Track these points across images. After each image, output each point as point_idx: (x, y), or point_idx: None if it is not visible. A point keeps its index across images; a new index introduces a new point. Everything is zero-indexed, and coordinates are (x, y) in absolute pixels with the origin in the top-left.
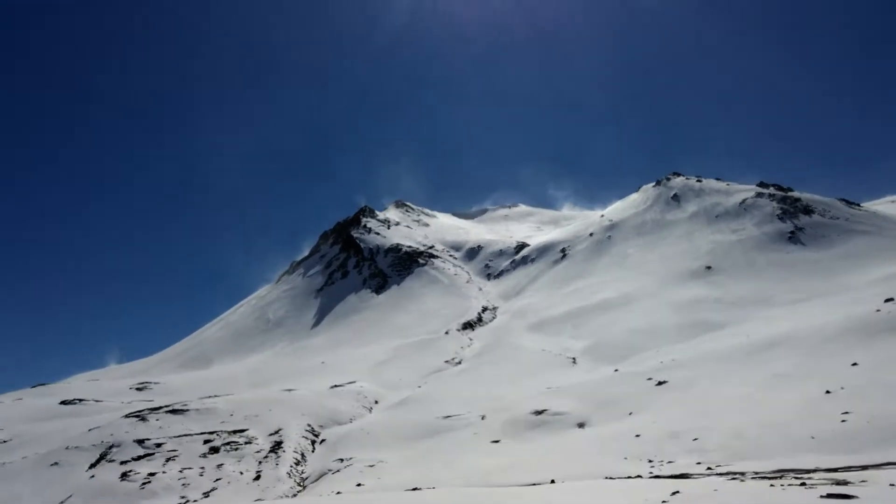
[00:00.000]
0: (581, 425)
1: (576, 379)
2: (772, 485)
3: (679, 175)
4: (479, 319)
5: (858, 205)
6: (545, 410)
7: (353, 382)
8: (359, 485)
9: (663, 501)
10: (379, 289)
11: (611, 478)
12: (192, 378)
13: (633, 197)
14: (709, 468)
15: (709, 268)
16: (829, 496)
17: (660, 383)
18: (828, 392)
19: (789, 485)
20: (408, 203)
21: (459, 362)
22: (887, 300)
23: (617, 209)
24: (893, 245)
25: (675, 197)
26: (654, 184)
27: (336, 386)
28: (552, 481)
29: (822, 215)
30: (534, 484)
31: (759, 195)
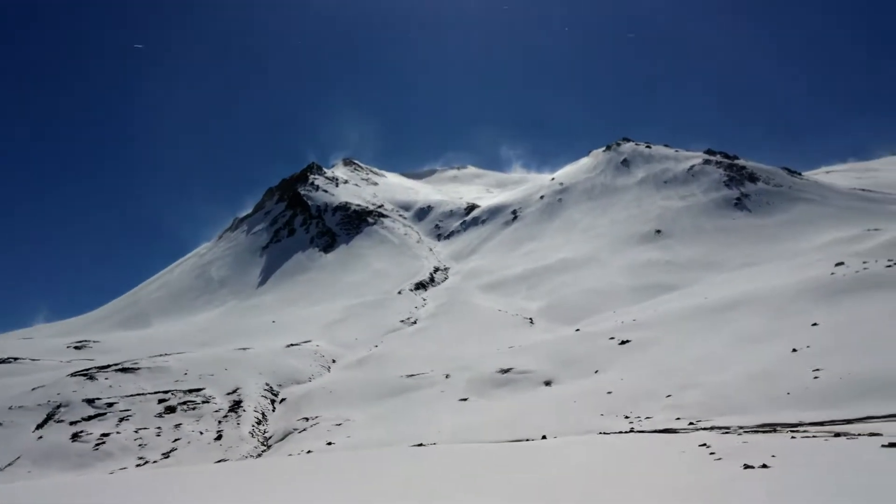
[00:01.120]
0: (548, 383)
1: (535, 338)
2: (793, 437)
3: (629, 141)
4: (432, 280)
5: (800, 174)
6: (511, 369)
7: (309, 342)
8: (329, 443)
9: (711, 453)
10: (327, 247)
11: (605, 433)
12: (135, 337)
13: (584, 161)
14: (691, 423)
15: (658, 232)
16: (891, 445)
17: (623, 342)
18: (794, 350)
19: (810, 436)
20: (356, 161)
21: (415, 322)
22: (838, 264)
23: (568, 173)
24: (834, 213)
25: (625, 162)
26: (604, 148)
27: (292, 345)
28: (543, 437)
29: (767, 183)
30: (522, 440)
31: (706, 162)
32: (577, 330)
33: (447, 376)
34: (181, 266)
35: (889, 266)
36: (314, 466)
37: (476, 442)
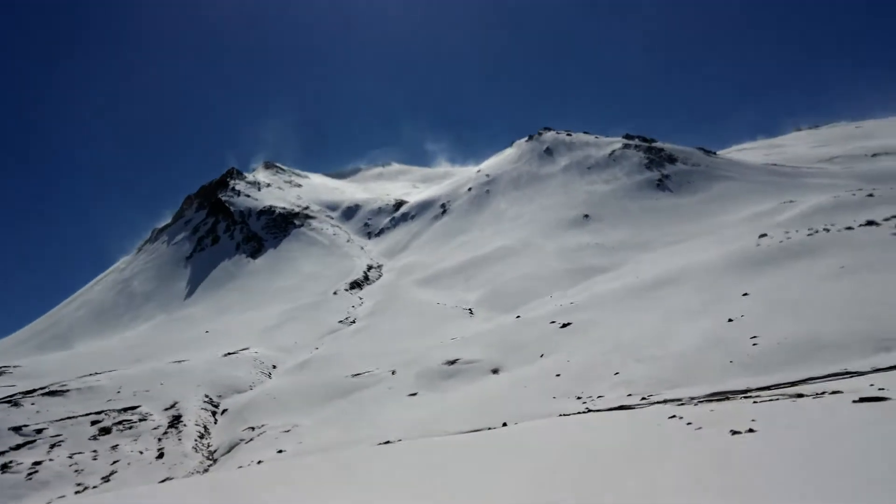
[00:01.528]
0: (495, 371)
1: (477, 328)
2: (754, 402)
3: (550, 130)
4: (366, 278)
5: (715, 153)
6: (457, 360)
7: (247, 349)
8: (280, 451)
9: (688, 423)
10: (255, 253)
11: (565, 414)
12: (59, 359)
13: (508, 152)
14: (643, 398)
15: (587, 216)
16: (862, 400)
17: (564, 325)
18: (730, 320)
19: (768, 399)
20: (277, 164)
21: (353, 321)
22: (762, 235)
23: (493, 164)
24: (751, 188)
25: (548, 151)
26: (526, 139)
27: (229, 353)
28: (504, 424)
29: (685, 163)
30: (483, 429)
31: (626, 146)
32: (518, 317)
33: (393, 372)
34: (101, 283)
35: (810, 234)
36: (283, 475)
37: (439, 435)
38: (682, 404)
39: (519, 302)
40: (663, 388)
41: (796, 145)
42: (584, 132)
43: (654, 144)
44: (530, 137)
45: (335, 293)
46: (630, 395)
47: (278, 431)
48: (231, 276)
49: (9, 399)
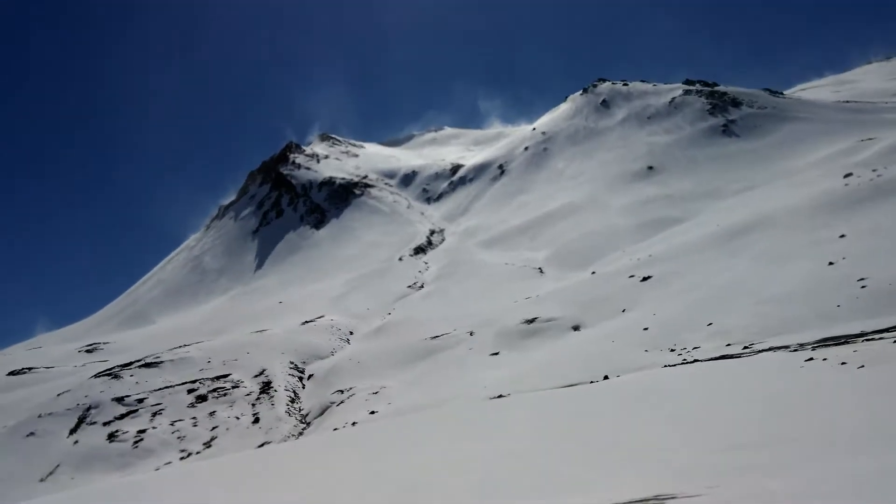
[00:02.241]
0: (576, 328)
1: (550, 287)
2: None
3: (605, 81)
4: (429, 243)
5: (782, 93)
6: (536, 318)
7: (322, 317)
8: (372, 412)
9: (842, 363)
10: (318, 224)
11: (670, 365)
12: (143, 334)
13: (563, 107)
14: (746, 347)
15: (651, 168)
16: None
17: (644, 279)
18: (831, 263)
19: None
20: (333, 135)
21: (422, 286)
22: (847, 175)
23: (548, 121)
24: (824, 128)
25: (605, 103)
26: (581, 92)
27: (307, 322)
28: (605, 377)
29: (751, 106)
30: (580, 383)
31: (686, 93)
32: (593, 273)
33: (471, 333)
34: (173, 261)
35: None
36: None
37: (542, 390)
38: (795, 351)
39: (589, 259)
40: (766, 335)
41: (868, 80)
42: (641, 80)
43: (716, 88)
44: (585, 90)
45: (400, 259)
46: (729, 344)
47: (367, 393)
48: (297, 247)
49: (109, 372)
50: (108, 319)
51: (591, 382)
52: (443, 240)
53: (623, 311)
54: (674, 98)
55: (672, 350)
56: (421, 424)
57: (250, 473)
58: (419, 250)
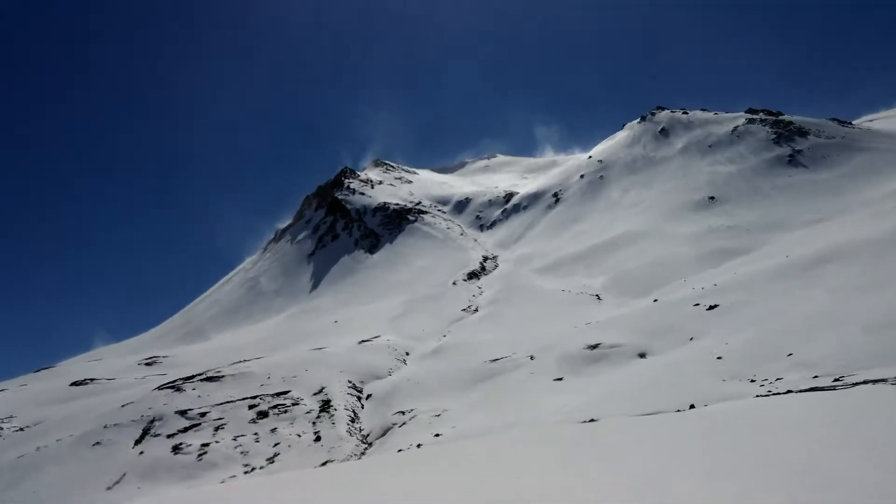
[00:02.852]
0: (642, 355)
1: (610, 313)
2: None
3: (663, 109)
4: (483, 269)
5: (850, 123)
6: (599, 344)
7: (378, 337)
8: (437, 435)
9: None
10: (372, 248)
11: (762, 395)
12: (200, 349)
13: (620, 135)
14: (836, 379)
15: (712, 198)
16: None
17: (711, 307)
18: None
19: None
20: (387, 161)
21: (476, 310)
22: None
23: (604, 149)
24: (895, 159)
25: (664, 131)
26: (638, 120)
27: (364, 341)
28: (691, 406)
29: (818, 136)
30: (662, 412)
31: (750, 122)
32: (655, 300)
33: (532, 358)
34: (230, 282)
35: None
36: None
37: (623, 417)
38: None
39: (648, 287)
40: (855, 368)
41: None
42: (702, 109)
43: (781, 117)
44: (643, 118)
45: (454, 283)
46: (816, 376)
47: (429, 416)
48: (351, 270)
49: (171, 385)
50: (166, 334)
51: (678, 411)
52: (496, 266)
53: (691, 339)
54: (736, 127)
55: (752, 381)
56: (517, 445)
57: (352, 485)
58: (473, 275)
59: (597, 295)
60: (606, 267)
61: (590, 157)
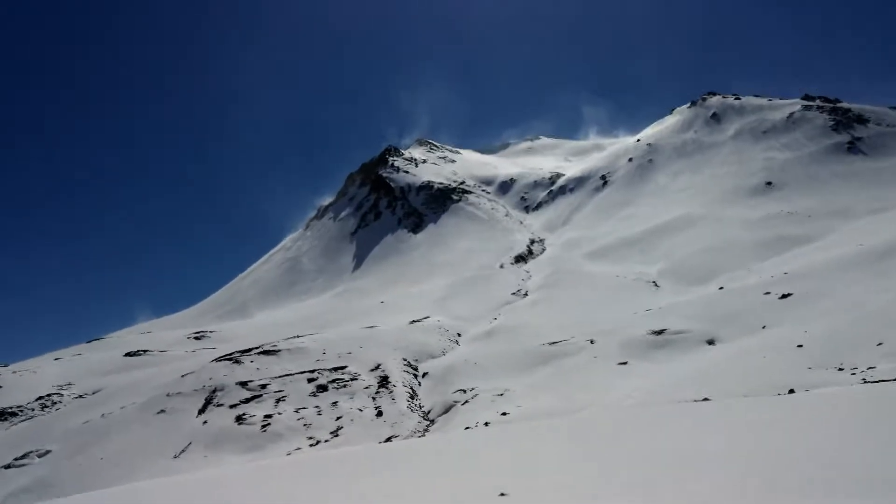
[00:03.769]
0: (711, 342)
1: (670, 300)
2: None
3: (715, 94)
4: (530, 252)
5: None
6: (664, 330)
7: (428, 317)
8: (503, 413)
9: None
10: (415, 228)
11: (871, 381)
12: (245, 325)
13: (669, 120)
14: None
15: (769, 183)
16: None
17: (783, 296)
18: None
19: None
20: (431, 141)
21: (526, 294)
22: None
23: (653, 133)
24: None
25: (715, 116)
26: (688, 105)
27: (415, 321)
28: (791, 391)
29: (878, 124)
30: (754, 395)
31: (806, 108)
32: (721, 288)
33: (591, 342)
34: (271, 261)
35: None
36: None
37: (691, 401)
38: None
39: (709, 274)
40: None
41: None
42: (754, 95)
43: (838, 104)
44: (693, 103)
45: (501, 266)
46: None
47: (491, 395)
48: (395, 250)
49: (229, 357)
50: (210, 311)
51: (778, 395)
52: (543, 250)
53: (763, 327)
54: (792, 113)
55: (840, 369)
56: (640, 420)
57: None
58: (519, 259)
59: (653, 281)
60: (661, 252)
61: (638, 140)
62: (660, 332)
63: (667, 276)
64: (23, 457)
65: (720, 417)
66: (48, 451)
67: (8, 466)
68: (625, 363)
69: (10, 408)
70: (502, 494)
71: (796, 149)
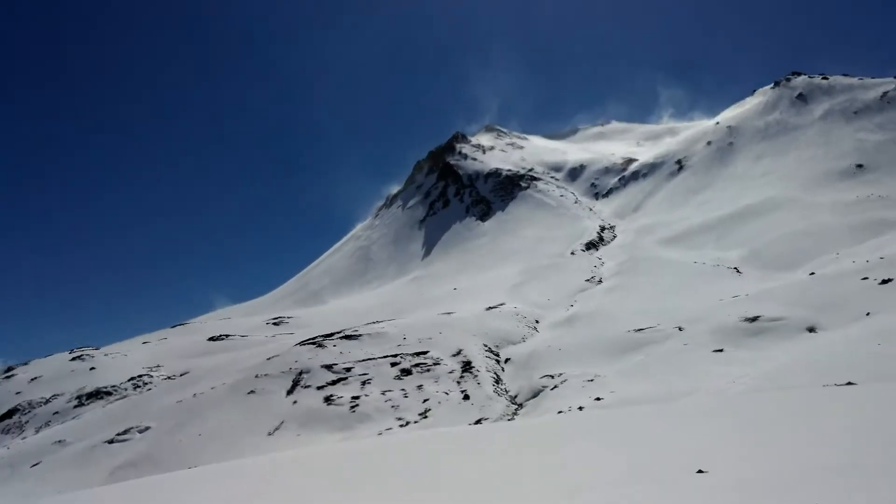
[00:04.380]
0: (812, 329)
1: (756, 286)
2: None
3: (800, 74)
4: (601, 239)
5: None
6: (758, 317)
7: (504, 304)
8: (597, 399)
9: None
10: (483, 216)
11: None
12: (320, 312)
13: (750, 101)
14: None
15: (860, 166)
16: None
17: (884, 281)
18: None
19: None
20: (498, 127)
21: (600, 280)
22: None
23: (733, 116)
24: None
25: (801, 97)
26: (772, 85)
27: (491, 307)
28: None
29: None
30: None
31: None
32: (812, 273)
33: (680, 329)
34: (342, 249)
35: None
36: None
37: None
38: None
39: (796, 260)
40: None
41: None
42: (843, 74)
43: None
44: (776, 84)
45: (573, 253)
46: None
47: (581, 380)
48: (464, 238)
49: (313, 341)
50: (284, 298)
51: None
52: (614, 236)
53: (867, 314)
54: (886, 92)
55: None
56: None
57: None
58: (591, 246)
59: (735, 268)
60: (741, 238)
61: (717, 123)
62: (753, 320)
63: (749, 262)
64: (124, 432)
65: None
66: (148, 428)
67: (111, 441)
68: (720, 350)
69: (106, 387)
70: (700, 472)
71: (891, 129)
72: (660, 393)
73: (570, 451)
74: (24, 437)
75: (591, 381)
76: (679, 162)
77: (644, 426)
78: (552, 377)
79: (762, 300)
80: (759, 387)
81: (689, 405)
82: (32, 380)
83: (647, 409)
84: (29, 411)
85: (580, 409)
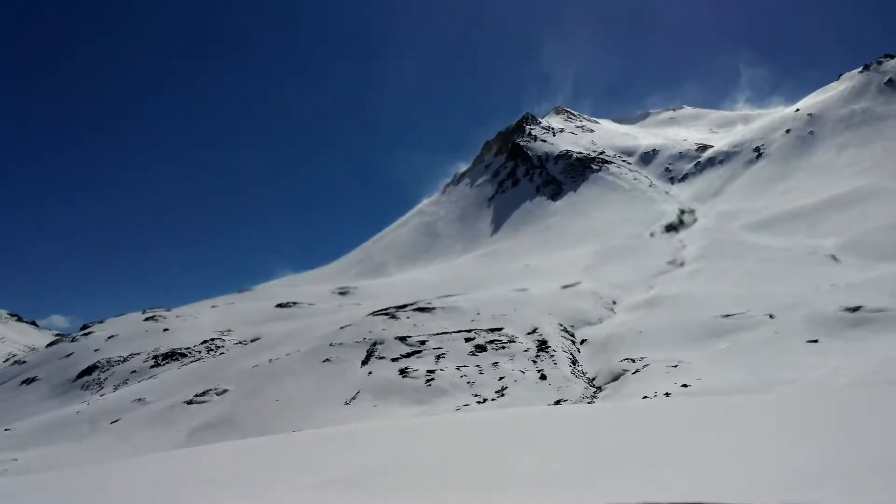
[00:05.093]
0: None
1: (856, 276)
2: None
3: (893, 57)
4: (681, 222)
5: None
6: (860, 307)
7: (580, 283)
8: (684, 385)
9: None
10: (554, 196)
11: None
12: (387, 284)
13: (835, 87)
14: None
15: None
16: None
17: None
18: None
19: None
20: (568, 109)
21: (682, 264)
22: None
23: (814, 102)
24: None
25: (891, 82)
26: (860, 70)
27: (567, 286)
28: None
29: None
30: None
31: None
32: None
33: (771, 316)
34: (408, 223)
35: None
36: None
37: None
38: None
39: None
40: None
41: None
42: None
43: None
44: (865, 68)
45: (651, 235)
46: None
47: (664, 366)
48: (534, 217)
49: (385, 312)
50: (348, 269)
51: None
52: (695, 220)
53: None
54: None
55: None
56: None
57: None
58: (671, 228)
59: (832, 255)
60: (836, 226)
61: (797, 110)
62: (854, 310)
63: (848, 250)
64: (203, 394)
65: None
66: (226, 391)
67: (190, 402)
68: (815, 341)
69: (180, 349)
70: None
71: None
72: (751, 382)
73: (718, 439)
74: (102, 395)
75: (675, 367)
76: (757, 149)
77: (781, 416)
78: (633, 361)
79: (863, 289)
80: (864, 381)
81: (805, 396)
82: (109, 338)
83: (751, 400)
84: (108, 369)
85: (666, 395)
